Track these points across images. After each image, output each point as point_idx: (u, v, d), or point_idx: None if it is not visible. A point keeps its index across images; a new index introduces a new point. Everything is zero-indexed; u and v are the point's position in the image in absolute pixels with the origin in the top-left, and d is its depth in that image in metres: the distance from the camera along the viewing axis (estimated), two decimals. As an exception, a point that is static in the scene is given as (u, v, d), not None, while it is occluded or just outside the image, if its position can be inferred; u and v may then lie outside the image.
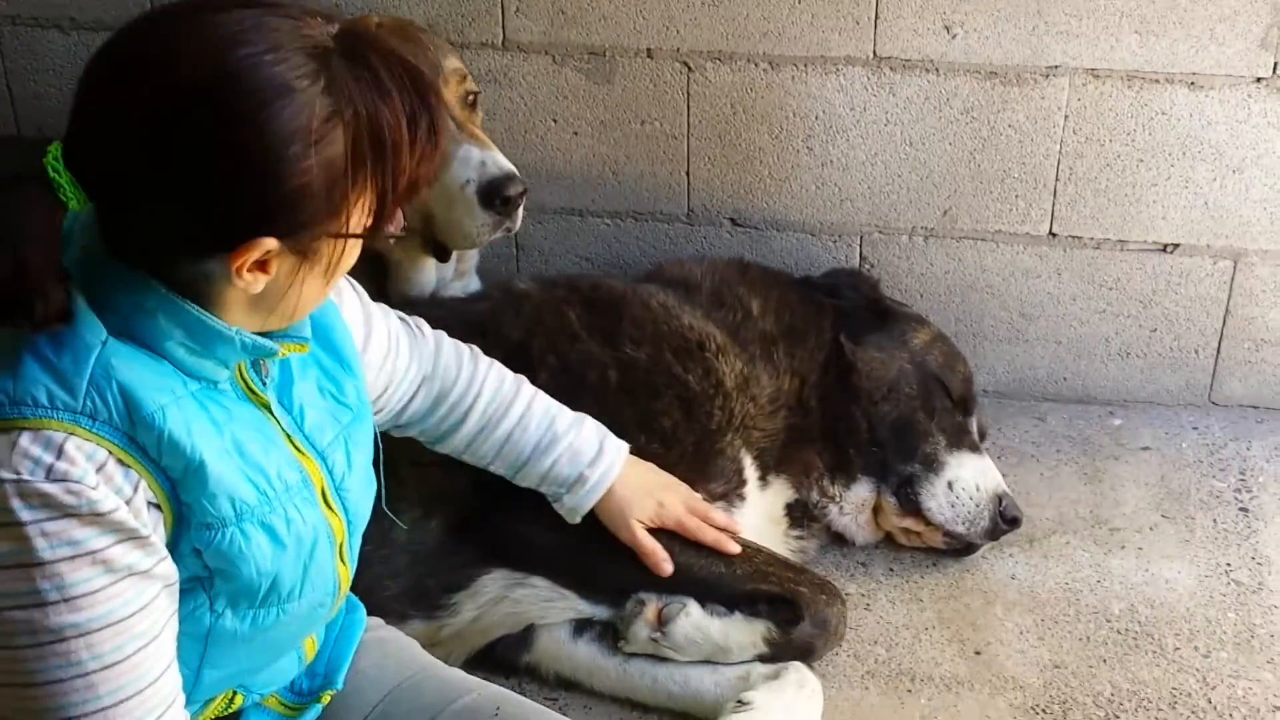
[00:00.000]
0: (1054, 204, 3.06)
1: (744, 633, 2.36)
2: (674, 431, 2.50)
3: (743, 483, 2.58)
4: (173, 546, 1.58)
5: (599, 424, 2.35)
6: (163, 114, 1.45)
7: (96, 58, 1.51)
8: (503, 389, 2.27)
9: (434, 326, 2.31)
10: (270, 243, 1.51)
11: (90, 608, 1.49)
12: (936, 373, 2.80)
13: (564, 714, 2.35)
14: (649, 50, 3.05)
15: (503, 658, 2.48)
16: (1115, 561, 2.72)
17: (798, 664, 2.35)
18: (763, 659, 2.36)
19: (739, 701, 2.27)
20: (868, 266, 3.19)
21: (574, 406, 2.37)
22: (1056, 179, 3.03)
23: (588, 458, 2.30)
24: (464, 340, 2.32)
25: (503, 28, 3.07)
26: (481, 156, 2.61)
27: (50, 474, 1.46)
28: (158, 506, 1.56)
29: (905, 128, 3.03)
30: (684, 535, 2.37)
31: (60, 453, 1.46)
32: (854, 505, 2.73)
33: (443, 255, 2.75)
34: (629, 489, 2.33)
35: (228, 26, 1.47)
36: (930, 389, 2.77)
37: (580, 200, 3.24)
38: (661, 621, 2.35)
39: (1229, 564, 2.71)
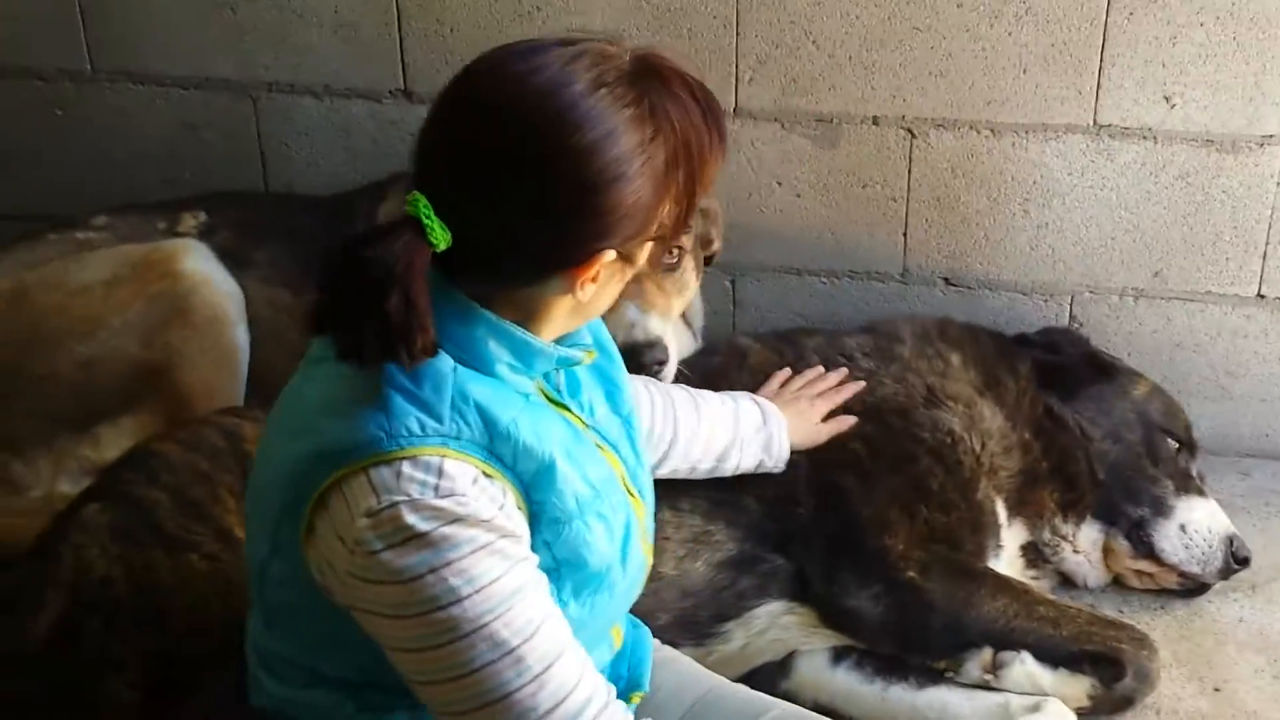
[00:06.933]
0: (1264, 266, 3.18)
1: (1071, 687, 2.48)
2: (943, 491, 2.61)
3: (999, 527, 2.70)
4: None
5: (735, 394, 2.55)
6: (510, 157, 1.61)
7: (442, 110, 1.67)
8: (710, 432, 2.44)
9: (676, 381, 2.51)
10: (610, 254, 1.69)
11: (498, 592, 1.62)
12: (1159, 421, 2.91)
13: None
14: (875, 118, 3.20)
15: (760, 684, 2.57)
16: (1340, 606, 2.81)
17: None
18: (1082, 711, 2.47)
19: None
20: (1077, 325, 3.31)
21: (831, 476, 2.57)
22: (1267, 242, 3.15)
23: (760, 422, 2.52)
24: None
25: (735, 96, 3.23)
26: (633, 318, 2.64)
27: (438, 491, 1.61)
28: (518, 509, 1.70)
29: (1121, 192, 3.17)
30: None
31: (440, 472, 1.62)
32: (1085, 546, 2.84)
33: None
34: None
35: (547, 70, 1.61)
36: (1153, 436, 2.88)
37: (798, 259, 3.38)
38: (995, 666, 2.48)
39: None
